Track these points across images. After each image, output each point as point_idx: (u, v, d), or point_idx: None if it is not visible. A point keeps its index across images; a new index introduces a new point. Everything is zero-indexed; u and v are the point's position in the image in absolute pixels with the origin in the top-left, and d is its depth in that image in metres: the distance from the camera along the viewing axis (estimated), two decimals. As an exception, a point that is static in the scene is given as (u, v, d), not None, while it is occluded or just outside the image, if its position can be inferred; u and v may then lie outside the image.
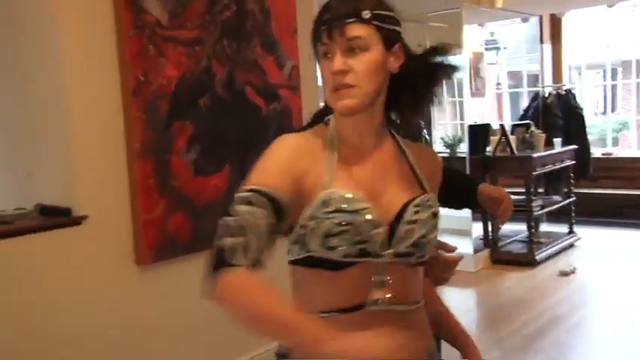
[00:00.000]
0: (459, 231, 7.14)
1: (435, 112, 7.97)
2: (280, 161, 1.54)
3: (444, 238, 5.74)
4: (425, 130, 11.57)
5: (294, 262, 1.58)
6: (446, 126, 8.35)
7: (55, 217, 3.84)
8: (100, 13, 3.87)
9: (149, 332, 4.23)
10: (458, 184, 2.52)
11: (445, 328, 1.88)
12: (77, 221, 3.81)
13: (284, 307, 1.43)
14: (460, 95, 7.85)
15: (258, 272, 1.47)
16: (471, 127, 7.42)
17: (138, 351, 4.20)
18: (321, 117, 1.67)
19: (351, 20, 1.50)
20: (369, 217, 1.51)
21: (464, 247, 6.95)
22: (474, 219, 7.10)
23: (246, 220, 1.46)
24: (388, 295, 1.54)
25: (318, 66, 1.62)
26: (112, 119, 3.97)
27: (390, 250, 1.54)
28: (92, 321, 3.92)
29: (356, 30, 1.50)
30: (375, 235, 1.51)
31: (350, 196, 1.51)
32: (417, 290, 1.65)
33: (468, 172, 6.98)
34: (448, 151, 7.79)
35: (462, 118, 7.79)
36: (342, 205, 1.50)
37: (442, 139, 8.07)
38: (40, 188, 4.02)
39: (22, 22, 4.05)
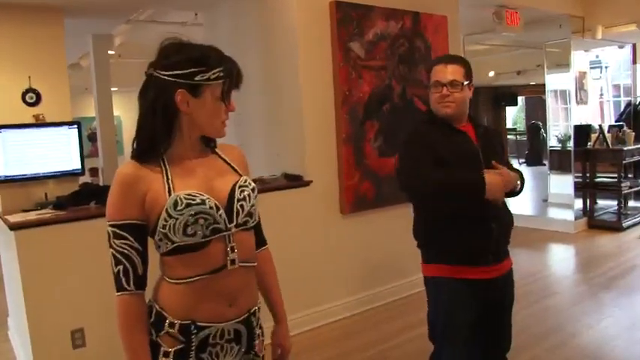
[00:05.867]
0: (564, 204, 8.42)
1: (550, 115, 9.17)
2: (121, 193, 1.69)
3: (553, 211, 7.08)
4: (542, 130, 12.32)
5: (163, 254, 1.75)
6: (558, 126, 9.27)
7: (294, 181, 4.95)
8: (324, 53, 5.00)
9: (346, 257, 5.23)
10: None
11: (269, 293, 2.08)
12: (306, 184, 4.95)
13: (136, 346, 1.70)
14: (569, 103, 8.86)
15: (139, 293, 1.71)
16: (576, 127, 8.61)
17: (339, 269, 5.15)
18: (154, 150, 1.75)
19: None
20: (211, 203, 1.70)
21: (567, 215, 8.28)
22: (576, 196, 8.29)
23: (118, 251, 1.69)
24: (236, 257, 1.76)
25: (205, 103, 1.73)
26: (329, 119, 5.05)
27: (233, 224, 1.76)
28: (310, 248, 5.00)
29: None
30: (219, 216, 1.72)
31: (192, 193, 1.69)
32: (254, 250, 1.90)
33: (573, 161, 8.24)
34: (560, 145, 8.94)
35: (569, 120, 8.82)
36: (190, 201, 1.67)
37: (556, 136, 9.15)
38: (285, 162, 5.17)
39: (280, 63, 5.18)
